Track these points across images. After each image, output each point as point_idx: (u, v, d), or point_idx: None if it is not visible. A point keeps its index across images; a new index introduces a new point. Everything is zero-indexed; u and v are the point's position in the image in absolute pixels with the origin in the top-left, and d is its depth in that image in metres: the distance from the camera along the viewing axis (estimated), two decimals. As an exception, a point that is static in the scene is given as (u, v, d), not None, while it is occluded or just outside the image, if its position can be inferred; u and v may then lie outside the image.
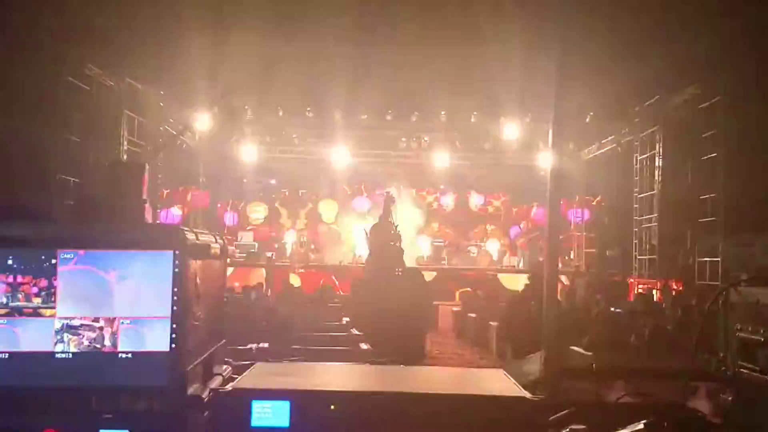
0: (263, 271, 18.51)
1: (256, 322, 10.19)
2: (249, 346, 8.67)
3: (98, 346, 2.40)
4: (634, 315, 9.94)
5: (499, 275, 19.59)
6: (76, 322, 2.40)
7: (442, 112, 17.96)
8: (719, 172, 13.12)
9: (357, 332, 10.56)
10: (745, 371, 2.48)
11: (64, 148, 11.84)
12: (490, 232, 23.37)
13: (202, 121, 16.97)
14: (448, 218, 23.46)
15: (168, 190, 18.83)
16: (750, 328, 2.47)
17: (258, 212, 22.65)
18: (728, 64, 11.52)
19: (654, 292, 15.13)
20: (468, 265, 21.25)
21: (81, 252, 2.42)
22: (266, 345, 8.98)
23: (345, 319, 11.56)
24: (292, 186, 22.99)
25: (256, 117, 18.00)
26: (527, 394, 2.55)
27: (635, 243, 17.35)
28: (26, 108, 10.08)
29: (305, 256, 20.40)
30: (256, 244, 20.62)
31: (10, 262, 2.40)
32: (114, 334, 2.40)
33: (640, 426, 2.21)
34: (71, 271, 2.41)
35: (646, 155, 16.87)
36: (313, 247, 21.41)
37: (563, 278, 15.83)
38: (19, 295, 2.40)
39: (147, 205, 2.73)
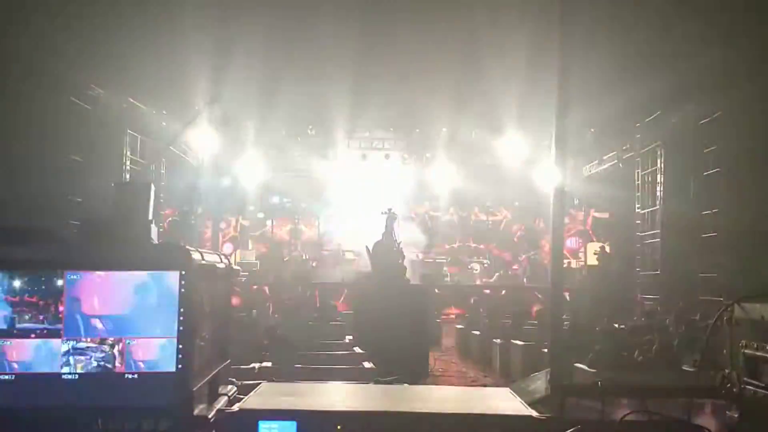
0: (266, 288, 18.45)
1: (258, 340, 10.16)
2: (252, 365, 8.65)
3: (108, 365, 2.40)
4: (638, 331, 9.89)
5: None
6: (82, 344, 2.40)
7: (443, 129, 18.04)
8: (721, 187, 13.08)
9: (360, 350, 10.52)
10: (750, 388, 2.47)
11: (68, 168, 11.86)
12: (492, 248, 23.35)
13: (204, 140, 17.05)
14: (449, 234, 23.44)
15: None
16: (755, 345, 2.47)
17: (259, 230, 22.67)
18: (729, 80, 11.54)
19: (657, 308, 15.05)
20: (470, 281, 21.22)
21: (87, 273, 2.43)
22: (269, 364, 8.96)
23: (348, 338, 11.51)
24: (293, 203, 23.01)
25: (258, 136, 18.09)
26: (533, 413, 2.55)
27: (638, 259, 17.30)
28: (30, 129, 10.12)
29: (306, 274, 20.31)
30: (258, 263, 20.57)
31: (17, 283, 2.41)
32: (121, 354, 2.41)
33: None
34: (78, 292, 2.42)
35: (647, 171, 16.87)
36: (314, 264, 21.32)
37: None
38: (26, 317, 2.40)
39: (153, 225, 2.74)
